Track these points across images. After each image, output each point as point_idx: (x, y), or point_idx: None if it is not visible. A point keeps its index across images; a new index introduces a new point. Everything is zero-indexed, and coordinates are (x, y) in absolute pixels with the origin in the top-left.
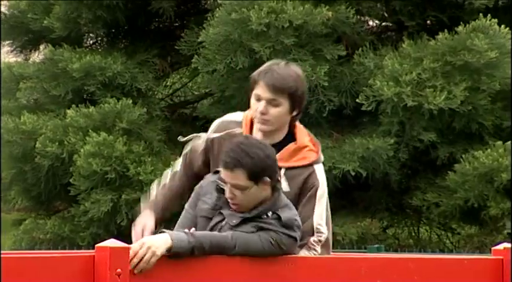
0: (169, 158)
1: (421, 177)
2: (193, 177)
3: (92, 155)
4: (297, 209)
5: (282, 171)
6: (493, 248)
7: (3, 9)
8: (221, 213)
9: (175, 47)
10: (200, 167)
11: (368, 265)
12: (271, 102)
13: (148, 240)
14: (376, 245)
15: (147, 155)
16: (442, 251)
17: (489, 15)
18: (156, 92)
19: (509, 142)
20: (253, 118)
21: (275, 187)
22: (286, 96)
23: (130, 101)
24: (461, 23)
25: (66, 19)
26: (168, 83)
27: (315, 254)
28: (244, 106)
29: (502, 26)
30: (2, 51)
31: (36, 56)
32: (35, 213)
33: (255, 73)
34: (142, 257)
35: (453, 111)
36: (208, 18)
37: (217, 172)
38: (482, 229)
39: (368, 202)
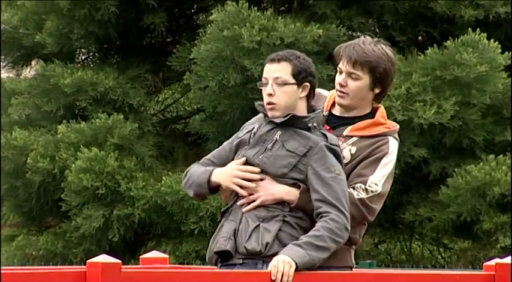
0: (161, 174)
1: (414, 192)
2: None
3: (83, 170)
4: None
5: (354, 139)
6: (484, 264)
7: None
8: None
9: (167, 63)
10: None
11: (360, 281)
12: (350, 76)
13: (279, 257)
14: (368, 261)
15: (138, 171)
16: (434, 267)
17: (478, 29)
18: (148, 108)
19: (501, 156)
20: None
21: (310, 104)
22: (366, 71)
23: (122, 117)
24: (450, 37)
25: (58, 35)
26: (160, 99)
27: (358, 195)
28: (237, 122)
29: (492, 40)
30: None
31: (28, 72)
32: (26, 229)
33: (340, 46)
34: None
35: (443, 127)
36: (200, 34)
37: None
38: (476, 243)
39: None
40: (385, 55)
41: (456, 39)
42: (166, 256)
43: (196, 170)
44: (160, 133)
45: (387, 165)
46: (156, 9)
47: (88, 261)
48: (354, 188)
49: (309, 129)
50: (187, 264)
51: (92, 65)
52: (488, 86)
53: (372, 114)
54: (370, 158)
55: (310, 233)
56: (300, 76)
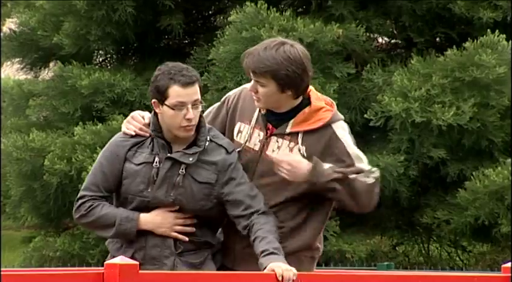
0: None
1: (431, 194)
2: None
3: None
4: None
5: (300, 135)
6: (502, 266)
7: (13, 26)
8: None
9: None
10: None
11: None
12: (258, 82)
13: (280, 265)
14: (386, 263)
15: None
16: (452, 269)
17: (497, 31)
18: None
19: None
20: None
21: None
22: (270, 78)
23: None
24: (469, 39)
25: (75, 36)
26: None
27: (366, 180)
28: None
29: (510, 41)
30: (12, 68)
31: (46, 73)
32: (44, 230)
33: (244, 53)
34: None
35: (462, 128)
36: (218, 35)
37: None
38: (494, 247)
39: (378, 219)
40: (286, 59)
41: (475, 40)
42: None
43: (110, 213)
44: None
45: (355, 150)
46: (174, 10)
47: (106, 262)
48: (364, 176)
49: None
50: None
51: (109, 67)
52: (507, 87)
53: (307, 100)
54: (335, 157)
55: (265, 242)
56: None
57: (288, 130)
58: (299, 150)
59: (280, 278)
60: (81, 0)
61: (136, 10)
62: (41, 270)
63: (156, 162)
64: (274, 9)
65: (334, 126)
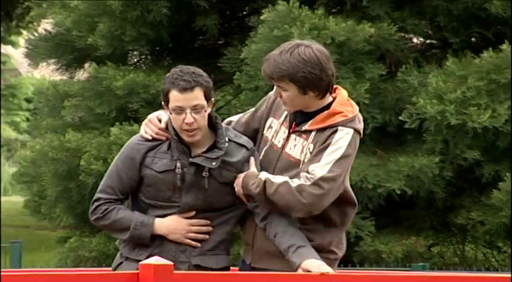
0: None
1: (466, 195)
2: None
3: None
4: None
5: (312, 134)
6: None
7: (48, 27)
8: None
9: (219, 65)
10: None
11: None
12: (279, 87)
13: (317, 262)
14: (421, 263)
15: None
16: (487, 270)
17: None
18: None
19: None
20: None
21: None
22: (288, 82)
23: None
24: (505, 40)
25: (110, 37)
26: None
27: (293, 183)
28: None
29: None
30: (47, 69)
31: (81, 74)
32: (79, 230)
33: (263, 59)
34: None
35: (497, 130)
36: (251, 35)
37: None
38: None
39: (413, 220)
40: (301, 61)
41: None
42: None
43: (125, 217)
44: None
45: (334, 152)
46: (208, 11)
47: (140, 263)
48: (299, 178)
49: (226, 147)
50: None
51: (143, 67)
52: None
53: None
54: (317, 149)
55: (289, 235)
56: (210, 95)
57: (304, 127)
58: (308, 149)
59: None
60: (116, 1)
61: (170, 11)
62: (77, 271)
63: (179, 168)
64: (306, 7)
65: (340, 128)
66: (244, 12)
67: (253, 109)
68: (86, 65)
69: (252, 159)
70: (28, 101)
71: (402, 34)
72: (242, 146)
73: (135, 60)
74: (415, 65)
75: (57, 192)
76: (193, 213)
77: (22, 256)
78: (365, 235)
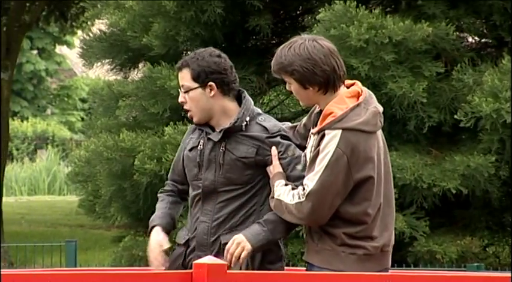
0: None
1: None
2: None
3: None
4: None
5: (313, 137)
6: None
7: (103, 27)
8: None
9: None
10: None
11: None
12: (287, 82)
13: (238, 237)
14: (476, 264)
15: None
16: None
17: None
18: None
19: None
20: None
21: (240, 98)
22: (286, 76)
23: None
24: None
25: (164, 37)
26: (265, 101)
27: (291, 191)
28: None
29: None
30: (102, 69)
31: (135, 74)
32: (134, 230)
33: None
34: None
35: None
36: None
37: None
38: None
39: (468, 220)
40: (295, 55)
41: None
42: None
43: (156, 210)
44: None
45: (323, 159)
46: (262, 11)
47: (194, 262)
48: (294, 188)
49: (246, 126)
50: (293, 266)
51: None
52: None
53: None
54: (311, 156)
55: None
56: (201, 78)
57: (313, 130)
58: (310, 153)
59: (225, 253)
60: (171, 1)
61: (224, 11)
62: (131, 270)
63: (201, 145)
64: (363, 7)
65: (327, 132)
66: (298, 12)
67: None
68: (140, 65)
69: (273, 149)
70: (83, 101)
71: (458, 33)
72: (264, 128)
73: None
74: (470, 63)
75: (111, 191)
76: (168, 247)
77: (77, 255)
78: (419, 235)
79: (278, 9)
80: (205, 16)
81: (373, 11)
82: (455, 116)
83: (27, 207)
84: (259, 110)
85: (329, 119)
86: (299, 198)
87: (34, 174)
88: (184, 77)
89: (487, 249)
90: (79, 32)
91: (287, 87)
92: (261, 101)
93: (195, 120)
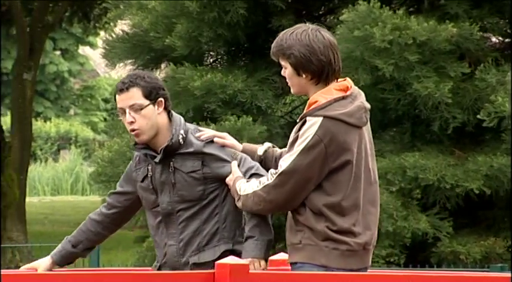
0: None
1: None
2: None
3: None
4: None
5: (297, 125)
6: None
7: (126, 28)
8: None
9: None
10: None
11: None
12: (282, 65)
13: (249, 263)
14: (499, 264)
15: None
16: None
17: None
18: (275, 110)
19: None
20: None
21: (170, 113)
22: (285, 59)
23: (251, 119)
24: None
25: (187, 38)
26: (287, 101)
27: (256, 181)
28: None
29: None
30: (125, 69)
31: (158, 74)
32: None
33: None
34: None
35: None
36: None
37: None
38: None
39: (491, 220)
40: (295, 40)
41: None
42: None
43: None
44: (288, 135)
45: (301, 144)
46: (284, 11)
47: (216, 262)
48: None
49: (184, 141)
50: None
51: (220, 68)
52: None
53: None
54: (289, 143)
55: (248, 224)
56: (153, 94)
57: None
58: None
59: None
60: (194, 2)
61: (247, 11)
62: (153, 270)
63: (150, 172)
64: (387, 7)
65: (308, 119)
66: (321, 12)
67: None
68: (163, 66)
69: (233, 164)
70: (106, 101)
71: (481, 33)
72: (195, 146)
73: (211, 60)
74: (493, 63)
75: None
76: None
77: (100, 255)
78: (443, 236)
79: (301, 10)
80: (228, 17)
81: (396, 11)
82: (478, 116)
83: (50, 207)
84: (191, 125)
85: (312, 107)
86: (267, 180)
87: (57, 174)
88: (134, 96)
89: (511, 249)
90: (102, 33)
91: (282, 72)
92: (283, 101)
93: (144, 138)
